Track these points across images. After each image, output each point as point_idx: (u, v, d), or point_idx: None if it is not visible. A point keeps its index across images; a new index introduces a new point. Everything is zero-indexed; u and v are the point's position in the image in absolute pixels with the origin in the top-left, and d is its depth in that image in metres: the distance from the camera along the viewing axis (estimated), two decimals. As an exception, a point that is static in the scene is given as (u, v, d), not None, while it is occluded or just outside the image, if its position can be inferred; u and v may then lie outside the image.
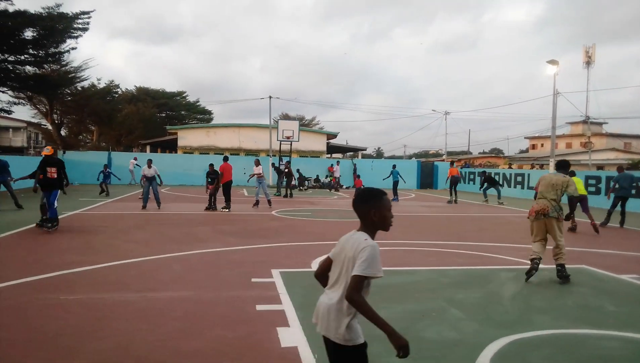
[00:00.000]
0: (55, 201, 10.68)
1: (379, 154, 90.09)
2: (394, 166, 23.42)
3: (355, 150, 54.97)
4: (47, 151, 10.94)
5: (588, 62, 40.03)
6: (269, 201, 17.67)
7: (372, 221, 2.58)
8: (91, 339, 4.46)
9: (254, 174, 17.70)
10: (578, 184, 11.60)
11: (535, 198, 7.60)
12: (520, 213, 17.33)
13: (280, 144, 29.72)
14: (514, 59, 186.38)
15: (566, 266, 7.08)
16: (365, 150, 61.99)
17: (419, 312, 5.52)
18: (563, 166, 7.57)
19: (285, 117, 59.53)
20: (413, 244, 10.24)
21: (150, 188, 15.93)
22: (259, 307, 5.48)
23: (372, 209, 2.57)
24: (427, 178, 35.29)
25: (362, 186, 22.44)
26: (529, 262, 7.11)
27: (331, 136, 46.31)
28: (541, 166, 40.19)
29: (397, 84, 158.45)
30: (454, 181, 21.67)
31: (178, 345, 4.40)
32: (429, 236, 11.51)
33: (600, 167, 42.28)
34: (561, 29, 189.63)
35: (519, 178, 27.95)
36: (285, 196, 23.20)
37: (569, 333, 5.00)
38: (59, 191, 10.87)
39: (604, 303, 6.15)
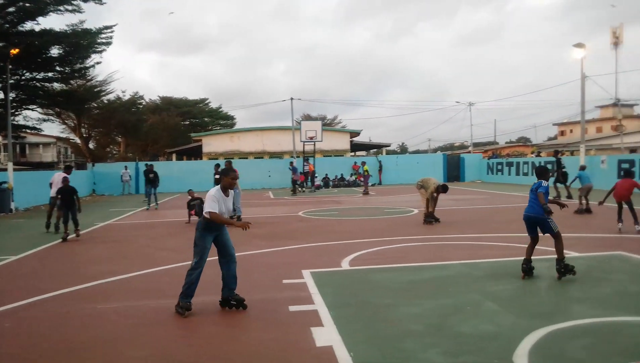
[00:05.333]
0: None
1: (403, 150, 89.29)
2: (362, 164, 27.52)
3: (379, 146, 54.68)
4: None
5: (616, 43, 39.10)
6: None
7: None
8: (130, 347, 4.56)
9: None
10: None
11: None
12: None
13: (304, 145, 29.79)
14: (540, 46, 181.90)
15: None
16: (389, 146, 61.57)
17: (453, 306, 5.47)
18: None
19: (307, 118, 59.60)
20: (443, 238, 10.15)
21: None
22: (291, 308, 5.52)
23: None
24: (453, 170, 35.06)
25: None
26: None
27: (354, 134, 46.17)
28: (571, 153, 39.18)
29: (422, 79, 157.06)
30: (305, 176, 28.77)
31: (216, 348, 4.48)
32: (458, 229, 11.37)
33: (633, 150, 40.98)
34: (587, 12, 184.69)
35: (550, 166, 27.28)
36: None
37: (608, 321, 4.89)
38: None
39: (644, 290, 5.98)
